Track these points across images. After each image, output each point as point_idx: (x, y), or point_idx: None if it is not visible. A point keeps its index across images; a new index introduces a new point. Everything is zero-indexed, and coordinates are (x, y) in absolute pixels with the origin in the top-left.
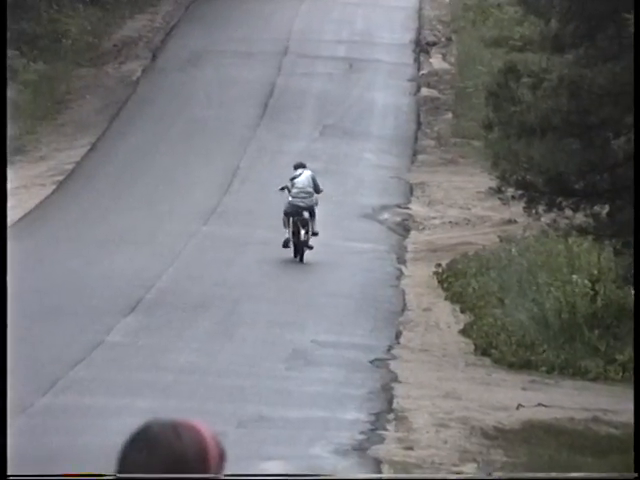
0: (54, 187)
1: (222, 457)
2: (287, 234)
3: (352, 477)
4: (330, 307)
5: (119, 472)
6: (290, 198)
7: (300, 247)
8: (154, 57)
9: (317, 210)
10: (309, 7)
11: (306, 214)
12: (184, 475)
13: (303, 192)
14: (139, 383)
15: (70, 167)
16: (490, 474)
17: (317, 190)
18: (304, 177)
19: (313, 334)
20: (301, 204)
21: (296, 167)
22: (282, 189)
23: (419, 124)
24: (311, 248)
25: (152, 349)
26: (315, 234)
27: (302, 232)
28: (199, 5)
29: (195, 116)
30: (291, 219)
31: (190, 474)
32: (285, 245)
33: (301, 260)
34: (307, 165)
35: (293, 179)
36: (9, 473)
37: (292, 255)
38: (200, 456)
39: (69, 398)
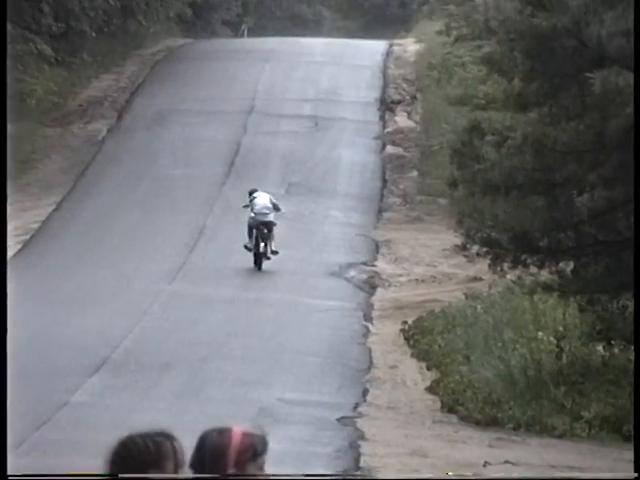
0: (19, 247)
1: (252, 453)
2: (249, 242)
3: (352, 477)
4: (297, 365)
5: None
6: (253, 214)
7: (259, 258)
8: (119, 117)
9: (276, 230)
10: (274, 66)
11: (266, 229)
12: (183, 476)
13: (265, 208)
14: (105, 444)
15: (35, 226)
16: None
17: (277, 208)
18: (263, 197)
19: (280, 392)
20: (264, 219)
21: (251, 192)
22: (245, 206)
23: (385, 182)
24: (269, 259)
25: (118, 409)
26: (275, 252)
27: (262, 245)
28: (164, 65)
29: (161, 175)
30: (254, 231)
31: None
32: (246, 247)
33: (259, 269)
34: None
35: (253, 200)
36: (9, 473)
37: (252, 265)
38: (218, 452)
39: (34, 459)
